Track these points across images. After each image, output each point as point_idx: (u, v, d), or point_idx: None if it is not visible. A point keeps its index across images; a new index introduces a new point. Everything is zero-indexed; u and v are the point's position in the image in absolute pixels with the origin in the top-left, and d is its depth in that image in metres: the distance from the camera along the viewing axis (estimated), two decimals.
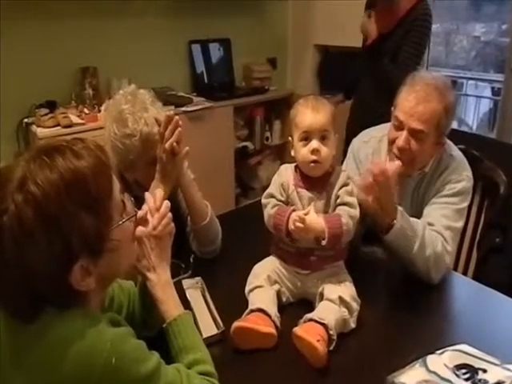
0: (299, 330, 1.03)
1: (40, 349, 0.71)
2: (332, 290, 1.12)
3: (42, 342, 0.71)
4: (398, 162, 1.23)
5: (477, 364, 0.88)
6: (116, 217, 0.78)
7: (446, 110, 1.28)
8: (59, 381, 0.70)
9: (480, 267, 1.76)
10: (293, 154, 1.21)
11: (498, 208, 1.66)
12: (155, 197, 0.98)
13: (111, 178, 0.78)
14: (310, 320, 1.05)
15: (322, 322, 1.04)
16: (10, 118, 2.56)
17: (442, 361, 0.88)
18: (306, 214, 1.11)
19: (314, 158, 1.15)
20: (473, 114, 4.11)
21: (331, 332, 1.03)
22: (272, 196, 1.21)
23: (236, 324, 1.05)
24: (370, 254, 1.44)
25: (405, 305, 1.23)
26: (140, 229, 0.92)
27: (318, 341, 0.99)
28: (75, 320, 0.73)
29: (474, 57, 3.80)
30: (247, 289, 1.19)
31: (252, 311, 1.10)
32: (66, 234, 0.70)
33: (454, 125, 3.44)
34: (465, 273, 1.72)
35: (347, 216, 1.13)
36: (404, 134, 1.29)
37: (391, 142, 1.34)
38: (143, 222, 0.94)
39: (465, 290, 1.37)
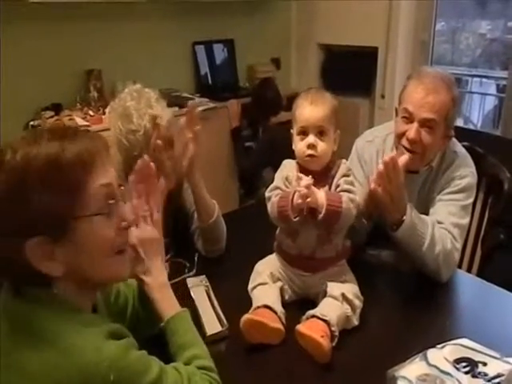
0: (302, 327, 1.03)
1: (38, 358, 0.70)
2: (335, 288, 1.12)
3: (39, 349, 0.70)
4: (406, 156, 1.23)
5: (477, 357, 0.88)
6: (87, 208, 0.75)
7: (453, 101, 1.29)
8: None
9: (484, 264, 1.75)
10: (293, 147, 1.21)
11: (502, 205, 1.65)
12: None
13: (91, 169, 0.75)
14: (313, 317, 1.05)
15: (325, 318, 1.04)
16: (16, 120, 2.57)
17: (442, 354, 0.88)
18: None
19: (309, 152, 1.14)
20: (478, 111, 4.10)
21: (333, 328, 1.03)
22: (277, 188, 1.19)
23: (246, 316, 1.05)
24: (376, 256, 1.43)
25: (408, 302, 1.23)
26: (131, 235, 0.90)
27: (322, 337, 0.99)
28: (72, 334, 0.72)
29: (480, 54, 3.78)
30: (250, 286, 1.20)
31: (258, 308, 1.10)
32: (29, 202, 0.71)
33: (460, 122, 3.44)
34: (469, 270, 1.71)
35: (347, 198, 1.12)
36: (415, 125, 1.28)
37: (400, 136, 1.34)
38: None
39: (469, 287, 1.37)
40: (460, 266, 1.65)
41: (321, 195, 1.09)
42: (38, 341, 0.71)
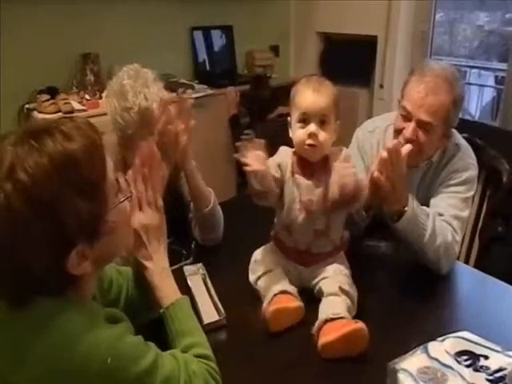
0: (328, 337, 0.97)
1: (41, 347, 0.70)
2: (330, 284, 1.10)
3: (42, 339, 0.70)
4: (408, 146, 1.21)
5: (478, 351, 0.88)
6: (111, 198, 0.75)
7: (454, 102, 1.27)
8: (56, 378, 0.69)
9: (482, 256, 1.75)
10: (291, 134, 1.16)
11: (500, 197, 1.65)
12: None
13: (104, 157, 0.74)
14: (326, 322, 1.01)
15: (339, 316, 1.01)
16: (11, 103, 2.56)
17: (443, 347, 0.88)
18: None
19: (310, 141, 1.09)
20: (476, 102, 4.09)
21: None
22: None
23: (272, 308, 1.04)
24: (374, 247, 1.42)
25: (407, 294, 1.22)
26: (134, 220, 0.92)
27: (356, 322, 0.98)
28: (71, 321, 0.71)
29: (478, 46, 3.77)
30: (253, 277, 1.17)
31: (275, 295, 1.07)
32: (61, 219, 0.67)
33: None
34: (466, 261, 1.71)
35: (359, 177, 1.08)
36: (412, 125, 1.27)
37: (398, 132, 1.32)
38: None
39: (467, 279, 1.37)
40: (458, 258, 1.65)
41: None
42: (36, 329, 0.70)
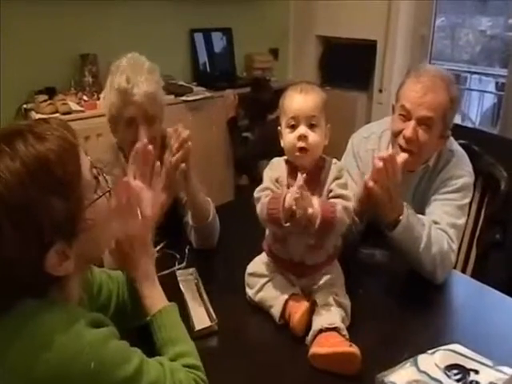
0: (320, 349, 0.96)
1: (18, 349, 0.68)
2: (323, 295, 1.08)
3: (19, 341, 0.69)
4: (404, 154, 1.21)
5: (469, 365, 0.87)
6: (88, 195, 0.74)
7: (451, 101, 1.27)
8: (37, 382, 0.68)
9: (479, 264, 1.74)
10: (282, 144, 1.14)
11: (498, 204, 1.64)
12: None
13: (78, 157, 0.73)
14: (320, 331, 1.00)
15: (334, 326, 0.99)
16: (9, 103, 2.56)
17: (433, 360, 0.86)
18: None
19: (301, 144, 1.07)
20: (476, 108, 4.08)
21: (344, 333, 1.01)
22: (267, 188, 1.13)
23: (298, 315, 1.04)
24: (369, 256, 1.41)
25: (402, 303, 1.21)
26: (118, 230, 0.91)
27: (350, 345, 0.95)
28: (54, 321, 0.70)
29: (480, 51, 3.76)
30: (252, 291, 1.15)
31: (287, 301, 1.07)
32: (36, 221, 0.67)
33: (458, 119, 3.43)
34: (464, 269, 1.70)
35: (341, 207, 1.07)
36: (412, 123, 1.26)
37: (396, 134, 1.31)
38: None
39: (463, 289, 1.35)
40: (455, 266, 1.64)
41: (315, 206, 1.03)
42: (15, 330, 0.70)
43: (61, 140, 0.71)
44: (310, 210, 1.02)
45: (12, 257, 0.68)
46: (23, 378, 0.68)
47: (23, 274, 0.70)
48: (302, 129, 1.07)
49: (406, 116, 1.28)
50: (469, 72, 3.87)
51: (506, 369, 0.86)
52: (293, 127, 1.09)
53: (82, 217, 0.73)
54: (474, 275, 1.63)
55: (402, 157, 1.18)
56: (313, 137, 1.07)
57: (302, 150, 1.08)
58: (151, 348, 0.87)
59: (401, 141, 1.30)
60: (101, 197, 0.77)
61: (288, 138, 1.10)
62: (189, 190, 1.31)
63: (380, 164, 1.12)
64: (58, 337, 0.68)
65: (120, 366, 0.72)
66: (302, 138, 1.07)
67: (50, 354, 0.67)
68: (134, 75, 1.32)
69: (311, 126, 1.08)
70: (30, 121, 0.75)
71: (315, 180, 1.11)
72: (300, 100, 1.08)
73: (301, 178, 1.01)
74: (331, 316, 1.03)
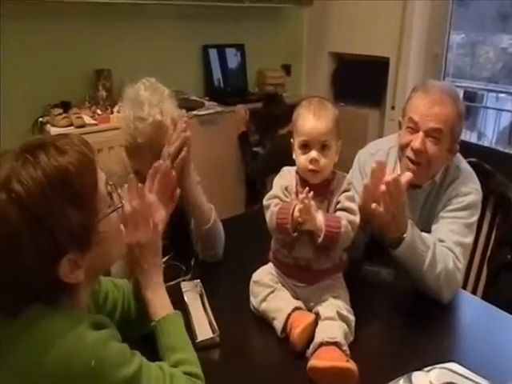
0: (318, 362, 0.96)
1: (21, 348, 0.71)
2: (328, 308, 1.08)
3: (23, 341, 0.71)
4: (409, 174, 1.20)
5: (463, 383, 0.85)
6: (102, 209, 0.78)
7: (459, 115, 1.28)
8: (38, 381, 0.69)
9: (490, 285, 1.71)
10: (294, 156, 1.17)
11: (509, 224, 1.61)
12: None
13: (95, 171, 0.78)
14: (321, 345, 1.00)
15: (334, 340, 0.99)
16: (26, 116, 2.62)
17: (428, 378, 0.85)
18: None
19: (311, 167, 1.11)
20: (493, 127, 4.04)
21: (344, 348, 1.00)
22: (276, 197, 1.16)
23: (298, 329, 1.03)
24: (375, 273, 1.39)
25: (406, 321, 1.19)
26: (128, 236, 0.94)
27: (348, 361, 0.95)
28: (58, 322, 0.73)
29: (501, 69, 3.73)
30: (256, 300, 1.16)
31: (290, 314, 1.08)
32: (52, 230, 0.71)
33: (473, 137, 3.39)
34: (474, 290, 1.67)
35: (346, 220, 1.09)
36: (420, 135, 1.27)
37: (404, 147, 1.31)
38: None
39: (471, 309, 1.32)
40: (465, 287, 1.61)
41: (319, 219, 1.06)
42: (21, 331, 0.72)
43: (80, 154, 0.75)
44: (313, 224, 1.04)
45: (27, 264, 0.71)
46: (27, 377, 0.70)
47: (36, 281, 0.72)
48: (314, 153, 1.11)
49: (414, 128, 1.28)
50: (485, 90, 3.84)
51: None
52: (305, 147, 1.12)
53: (95, 229, 0.76)
54: (484, 296, 1.60)
55: (406, 176, 1.18)
56: (323, 161, 1.11)
57: (312, 171, 1.11)
58: (154, 354, 0.88)
59: (409, 153, 1.30)
60: (114, 211, 0.81)
61: (300, 159, 1.13)
62: (188, 188, 1.32)
63: (383, 187, 1.12)
64: (61, 337, 0.70)
65: (120, 366, 0.74)
66: (314, 161, 1.10)
67: (53, 353, 0.69)
68: (164, 105, 1.32)
69: (323, 148, 1.11)
70: (52, 135, 0.79)
71: (324, 191, 1.14)
72: (312, 124, 1.11)
73: (306, 191, 1.04)
74: (333, 330, 1.03)
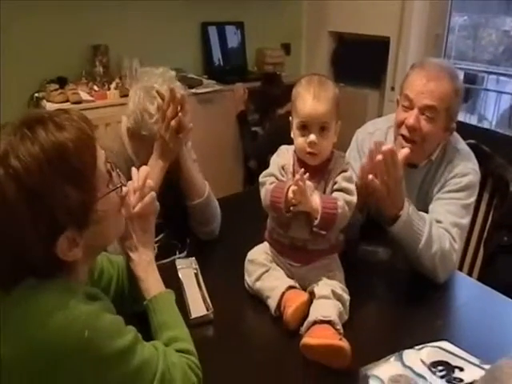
0: (311, 339, 0.96)
1: (16, 322, 0.71)
2: (323, 287, 1.08)
3: (18, 315, 0.71)
4: (406, 150, 1.19)
5: (454, 362, 0.86)
6: (101, 188, 0.77)
7: (455, 92, 1.26)
8: (31, 352, 0.69)
9: (486, 266, 1.71)
10: (292, 135, 1.15)
11: (507, 206, 1.61)
12: (138, 175, 0.97)
13: (95, 149, 0.77)
14: (314, 323, 1.00)
15: (329, 319, 0.99)
16: (22, 91, 2.60)
17: (419, 356, 0.86)
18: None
19: (310, 150, 1.09)
20: (493, 109, 4.01)
21: (338, 327, 1.00)
22: (272, 175, 1.15)
23: (291, 308, 1.03)
24: (371, 252, 1.39)
25: (401, 301, 1.20)
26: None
27: (341, 339, 0.95)
28: (51, 294, 0.73)
29: (503, 51, 3.68)
30: (251, 278, 1.16)
31: (284, 293, 1.08)
32: (50, 206, 0.70)
33: (474, 120, 3.36)
34: (470, 272, 1.68)
35: (343, 200, 1.07)
36: (415, 112, 1.26)
37: (399, 125, 1.30)
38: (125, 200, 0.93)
39: (466, 290, 1.33)
40: (461, 268, 1.62)
41: (315, 200, 1.05)
42: (17, 303, 0.72)
43: (79, 131, 0.74)
44: (309, 206, 1.03)
45: (25, 240, 0.70)
46: (23, 350, 0.69)
47: (33, 257, 0.72)
48: (312, 136, 1.08)
49: (409, 106, 1.28)
50: (486, 72, 3.80)
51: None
52: (303, 128, 1.10)
53: (93, 207, 0.76)
54: (480, 277, 1.60)
55: (403, 152, 1.16)
56: (322, 143, 1.09)
57: (311, 153, 1.10)
58: (148, 333, 0.88)
59: (403, 130, 1.29)
60: (113, 190, 0.80)
61: (298, 141, 1.11)
62: (183, 160, 1.33)
63: (379, 157, 1.11)
64: (55, 310, 0.70)
65: (113, 338, 0.74)
66: (312, 144, 1.08)
67: (47, 326, 0.69)
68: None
69: (322, 130, 1.09)
70: (52, 110, 0.78)
71: (322, 171, 1.12)
72: (311, 106, 1.08)
73: (301, 173, 1.02)
74: (327, 308, 1.03)
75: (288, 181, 1.11)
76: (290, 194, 1.04)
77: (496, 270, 1.77)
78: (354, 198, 1.10)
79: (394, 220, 1.18)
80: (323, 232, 1.08)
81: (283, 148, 1.19)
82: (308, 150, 1.09)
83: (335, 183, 1.12)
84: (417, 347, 0.88)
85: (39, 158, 0.69)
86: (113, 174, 0.81)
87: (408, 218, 1.17)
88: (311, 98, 1.08)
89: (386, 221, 1.21)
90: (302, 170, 1.03)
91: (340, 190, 1.10)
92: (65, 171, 0.71)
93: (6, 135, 0.71)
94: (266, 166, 1.20)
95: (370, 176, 1.13)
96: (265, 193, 1.12)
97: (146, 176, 0.97)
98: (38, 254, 0.72)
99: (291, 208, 1.07)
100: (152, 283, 0.94)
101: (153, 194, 0.97)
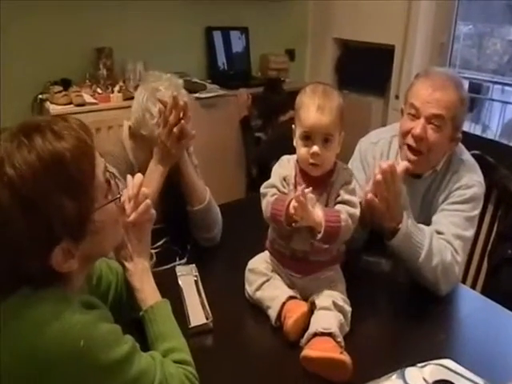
0: (312, 352, 0.95)
1: (13, 331, 0.70)
2: (324, 298, 1.07)
3: (15, 324, 0.70)
4: (405, 163, 1.18)
5: (458, 382, 0.84)
6: (99, 198, 0.76)
7: (461, 101, 1.25)
8: (26, 361, 0.68)
9: (490, 279, 1.69)
10: (295, 143, 1.13)
11: (511, 218, 1.60)
12: (132, 183, 0.96)
13: (94, 158, 0.75)
14: (315, 335, 0.99)
15: (329, 331, 0.98)
16: (25, 93, 2.61)
17: (421, 374, 0.84)
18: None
19: (312, 161, 1.07)
20: (497, 119, 4.00)
21: (339, 339, 0.98)
22: (273, 186, 1.13)
23: (291, 319, 1.02)
24: (374, 263, 1.37)
25: (403, 314, 1.18)
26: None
27: (341, 353, 0.93)
28: (47, 303, 0.72)
29: (508, 61, 3.68)
30: (251, 288, 1.14)
31: (284, 303, 1.06)
32: (45, 216, 0.69)
33: (478, 130, 3.35)
34: (474, 284, 1.66)
35: (346, 213, 1.06)
36: (421, 121, 1.25)
37: (405, 134, 1.29)
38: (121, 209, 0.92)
39: (470, 304, 1.30)
40: (464, 281, 1.60)
41: (318, 214, 1.03)
42: (13, 312, 0.71)
43: (77, 140, 0.72)
44: (311, 220, 1.02)
45: (19, 249, 0.69)
46: (22, 360, 0.68)
47: (28, 267, 0.71)
48: (315, 148, 1.06)
49: (415, 115, 1.26)
50: (491, 82, 3.80)
51: None
52: (306, 139, 1.08)
53: (90, 218, 0.74)
54: (484, 290, 1.59)
55: (402, 166, 1.15)
56: (325, 155, 1.07)
57: (313, 164, 1.08)
58: (144, 344, 0.87)
59: (409, 140, 1.27)
60: (111, 202, 0.79)
61: (301, 151, 1.09)
62: (183, 166, 1.33)
63: (379, 177, 1.10)
64: (51, 319, 0.69)
65: (110, 347, 0.72)
66: (315, 155, 1.06)
67: (43, 336, 0.68)
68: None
69: (325, 141, 1.07)
70: (49, 117, 0.77)
71: (324, 183, 1.10)
72: (315, 117, 1.05)
73: (302, 188, 1.00)
74: (328, 320, 1.02)
75: (290, 193, 1.09)
76: (292, 210, 1.02)
77: (500, 281, 1.75)
78: (357, 211, 1.08)
79: (393, 233, 1.17)
80: (326, 246, 1.07)
81: (285, 158, 1.17)
82: (311, 160, 1.07)
83: (338, 195, 1.10)
84: (419, 364, 0.87)
85: (35, 166, 0.68)
86: (112, 184, 0.80)
87: (407, 230, 1.16)
88: (315, 109, 1.06)
89: (386, 235, 1.20)
90: (304, 185, 1.02)
91: (343, 202, 1.09)
92: (61, 181, 0.70)
93: (3, 142, 0.70)
94: (269, 172, 1.18)
95: (369, 195, 1.13)
96: (266, 205, 1.10)
97: (141, 184, 0.96)
98: (34, 264, 0.71)
99: (293, 224, 1.05)
100: (148, 293, 0.93)
101: (148, 202, 0.96)
